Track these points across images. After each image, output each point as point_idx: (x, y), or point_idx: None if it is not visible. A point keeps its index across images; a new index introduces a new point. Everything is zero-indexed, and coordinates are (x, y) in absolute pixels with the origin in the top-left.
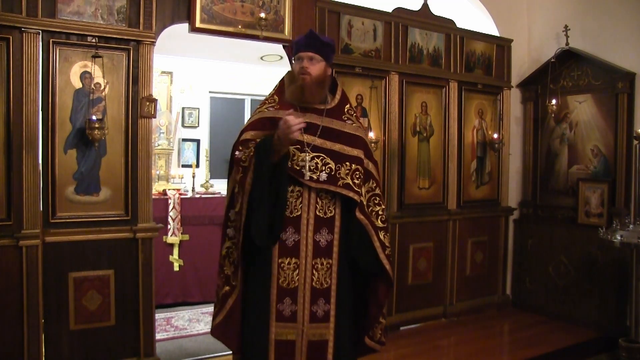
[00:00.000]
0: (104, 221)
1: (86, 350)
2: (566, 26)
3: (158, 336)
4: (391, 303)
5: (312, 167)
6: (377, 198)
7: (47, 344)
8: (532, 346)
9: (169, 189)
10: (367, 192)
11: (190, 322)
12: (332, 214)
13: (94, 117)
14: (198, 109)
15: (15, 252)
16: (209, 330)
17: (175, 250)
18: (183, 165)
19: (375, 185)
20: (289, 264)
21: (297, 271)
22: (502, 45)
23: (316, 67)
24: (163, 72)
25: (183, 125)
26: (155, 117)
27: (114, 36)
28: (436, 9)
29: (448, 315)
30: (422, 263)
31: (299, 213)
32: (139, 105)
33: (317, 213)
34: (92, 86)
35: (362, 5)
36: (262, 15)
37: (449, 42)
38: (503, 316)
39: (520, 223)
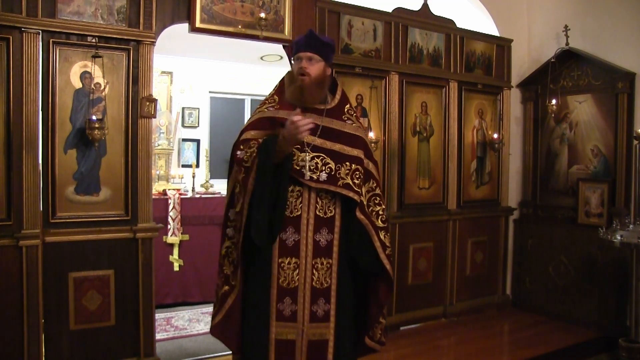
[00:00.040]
0: (104, 221)
1: (86, 350)
2: (566, 26)
3: (158, 336)
4: (391, 303)
5: (312, 167)
6: (378, 198)
7: (47, 344)
8: (532, 346)
9: (169, 189)
10: (367, 192)
11: (190, 322)
12: (332, 214)
13: (94, 117)
14: (198, 109)
15: (15, 252)
16: (209, 330)
17: (175, 250)
18: (183, 165)
19: (375, 185)
20: (289, 263)
21: (297, 271)
22: (502, 45)
23: (315, 67)
24: (163, 72)
25: (183, 125)
26: (155, 117)
27: (114, 36)
28: (436, 9)
29: (448, 315)
30: (422, 263)
31: (299, 213)
32: (139, 105)
33: (317, 213)
34: (92, 86)
35: (362, 5)
36: (262, 15)
37: (449, 42)
38: (503, 316)
39: (520, 223)
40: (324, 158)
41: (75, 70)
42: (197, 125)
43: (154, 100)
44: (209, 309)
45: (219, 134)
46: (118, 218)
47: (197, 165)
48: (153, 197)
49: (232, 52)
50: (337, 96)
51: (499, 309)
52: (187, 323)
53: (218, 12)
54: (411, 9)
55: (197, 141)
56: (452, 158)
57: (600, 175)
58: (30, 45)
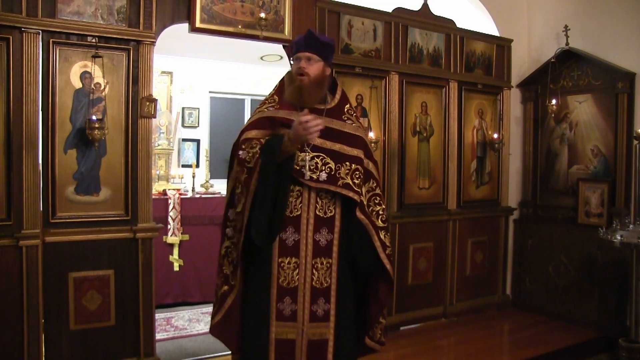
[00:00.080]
0: (104, 221)
1: (86, 350)
2: (566, 26)
3: (158, 336)
4: (391, 303)
5: (312, 167)
6: (378, 198)
7: (47, 344)
8: (532, 346)
9: (169, 189)
10: (367, 192)
11: (190, 322)
12: (332, 214)
13: (94, 117)
14: (198, 109)
15: (15, 252)
16: (209, 329)
17: (175, 250)
18: (183, 165)
19: (375, 185)
20: (289, 263)
21: (297, 270)
22: (502, 45)
23: (314, 67)
24: (163, 72)
25: (183, 125)
26: (155, 117)
27: (114, 36)
28: (436, 9)
29: (448, 315)
30: (422, 263)
31: (299, 213)
32: (139, 105)
33: (317, 213)
34: (92, 86)
35: (362, 5)
36: (262, 15)
37: (449, 42)
38: (503, 316)
39: (520, 223)
40: (324, 158)
41: (75, 70)
42: (197, 125)
43: (154, 100)
44: (209, 309)
45: (219, 134)
46: (118, 218)
47: (197, 165)
48: (153, 197)
49: (232, 52)
50: (337, 96)
51: (499, 309)
52: (187, 323)
53: (218, 12)
54: (411, 9)
55: (197, 141)
56: (452, 158)
57: (600, 175)
58: (30, 45)
